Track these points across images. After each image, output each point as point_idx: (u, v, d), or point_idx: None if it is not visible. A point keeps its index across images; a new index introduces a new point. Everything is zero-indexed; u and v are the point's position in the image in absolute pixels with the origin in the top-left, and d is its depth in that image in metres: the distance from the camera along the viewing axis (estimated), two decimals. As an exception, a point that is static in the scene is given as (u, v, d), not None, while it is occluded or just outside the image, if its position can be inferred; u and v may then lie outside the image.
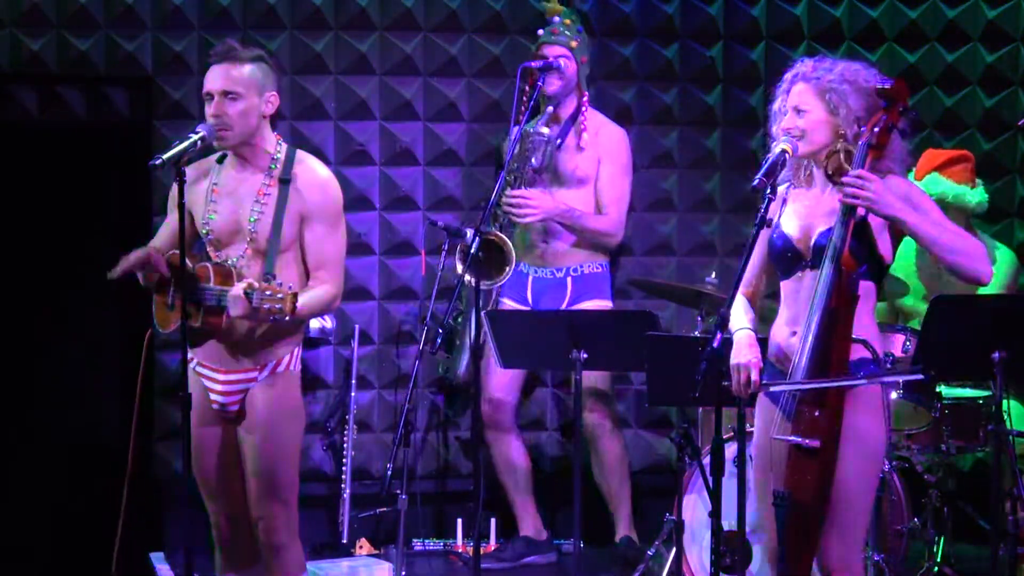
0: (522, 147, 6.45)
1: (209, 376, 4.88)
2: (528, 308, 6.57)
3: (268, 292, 4.51)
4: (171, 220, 4.96)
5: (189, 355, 4.81)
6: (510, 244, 6.35)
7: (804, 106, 4.47)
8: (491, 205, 6.23)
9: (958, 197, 6.23)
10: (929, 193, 6.01)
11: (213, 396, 4.87)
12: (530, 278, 6.61)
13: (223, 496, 4.92)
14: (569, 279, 6.55)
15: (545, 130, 6.44)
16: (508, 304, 6.61)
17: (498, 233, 6.33)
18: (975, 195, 6.30)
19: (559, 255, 6.58)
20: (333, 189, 4.87)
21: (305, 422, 5.09)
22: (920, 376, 4.65)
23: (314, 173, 4.86)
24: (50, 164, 6.68)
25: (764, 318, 4.79)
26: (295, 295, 4.55)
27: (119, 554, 5.08)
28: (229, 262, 4.79)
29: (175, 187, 4.66)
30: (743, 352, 4.47)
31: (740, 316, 4.57)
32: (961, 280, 4.45)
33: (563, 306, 6.50)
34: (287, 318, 4.57)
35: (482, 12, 7.00)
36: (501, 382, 6.62)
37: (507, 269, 6.35)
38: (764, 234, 4.50)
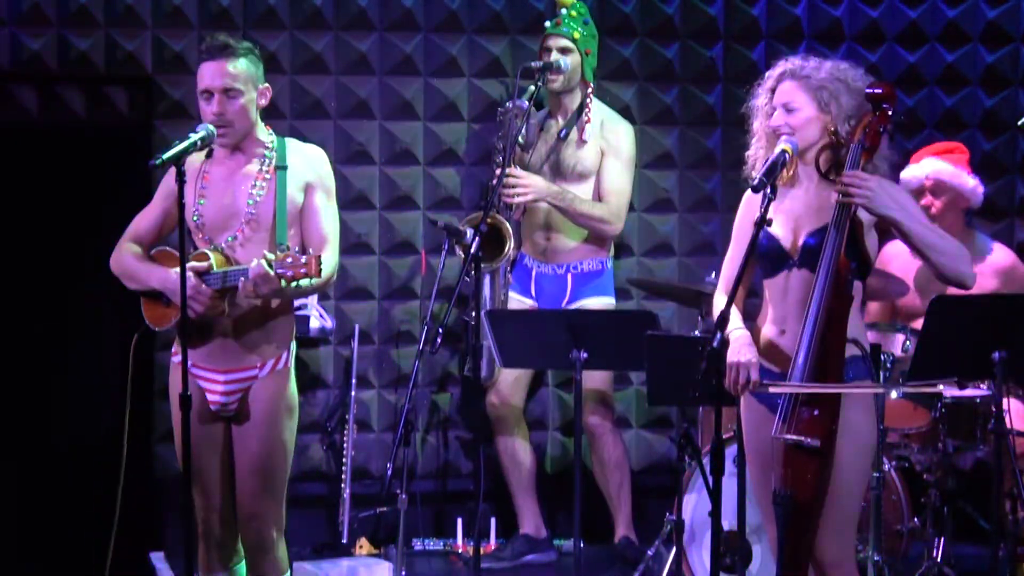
0: (504, 124, 6.51)
1: (207, 377, 4.87)
2: (532, 301, 6.63)
3: (289, 260, 4.52)
4: (154, 209, 4.97)
5: (184, 358, 4.77)
6: (507, 225, 6.38)
7: (794, 104, 4.48)
8: (495, 195, 6.27)
9: (956, 176, 6.19)
10: (925, 174, 6.07)
11: (212, 396, 4.87)
12: (534, 272, 6.65)
13: (218, 493, 4.93)
14: (570, 276, 6.58)
15: (522, 103, 6.48)
16: (514, 297, 6.65)
17: (494, 215, 6.36)
18: (972, 180, 6.25)
19: (560, 251, 6.60)
20: (328, 167, 4.97)
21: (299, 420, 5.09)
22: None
23: (313, 149, 4.97)
24: (50, 164, 6.68)
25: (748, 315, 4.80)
26: (318, 257, 4.55)
27: (113, 557, 5.06)
28: (222, 246, 4.80)
29: (167, 179, 4.73)
30: (743, 351, 4.47)
31: (736, 316, 4.58)
32: (944, 282, 4.47)
33: (564, 302, 6.54)
34: (313, 282, 4.58)
35: (482, 12, 7.00)
36: (508, 379, 6.64)
37: (506, 248, 6.40)
38: (747, 233, 4.48)
